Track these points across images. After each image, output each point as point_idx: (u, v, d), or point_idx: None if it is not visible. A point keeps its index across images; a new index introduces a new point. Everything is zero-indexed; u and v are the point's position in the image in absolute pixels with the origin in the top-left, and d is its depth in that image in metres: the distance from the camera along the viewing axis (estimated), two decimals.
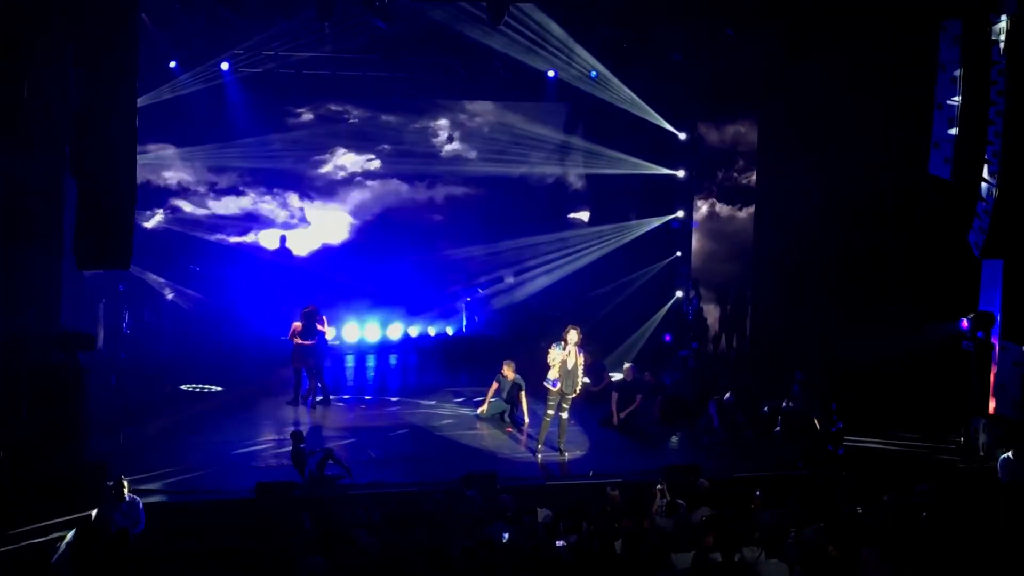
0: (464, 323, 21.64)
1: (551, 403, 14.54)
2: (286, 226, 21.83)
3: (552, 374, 14.40)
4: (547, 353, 14.52)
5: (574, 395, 14.59)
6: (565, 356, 14.31)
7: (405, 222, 22.14)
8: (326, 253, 22.00)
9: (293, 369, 17.14)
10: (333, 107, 21.52)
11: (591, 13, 17.93)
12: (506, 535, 10.63)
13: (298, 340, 16.96)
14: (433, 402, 17.61)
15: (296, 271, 21.54)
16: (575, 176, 22.59)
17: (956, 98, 15.70)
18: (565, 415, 14.64)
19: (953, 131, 15.66)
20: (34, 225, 12.20)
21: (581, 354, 14.52)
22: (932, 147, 16.02)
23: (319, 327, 17.08)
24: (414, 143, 22.10)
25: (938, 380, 16.00)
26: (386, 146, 22.01)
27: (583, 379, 17.78)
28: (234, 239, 21.53)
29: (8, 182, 12.01)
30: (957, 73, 15.43)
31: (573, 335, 14.33)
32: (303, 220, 21.91)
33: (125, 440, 14.11)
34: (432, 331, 21.51)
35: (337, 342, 20.99)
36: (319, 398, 17.08)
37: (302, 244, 21.92)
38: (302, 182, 21.85)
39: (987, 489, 13.35)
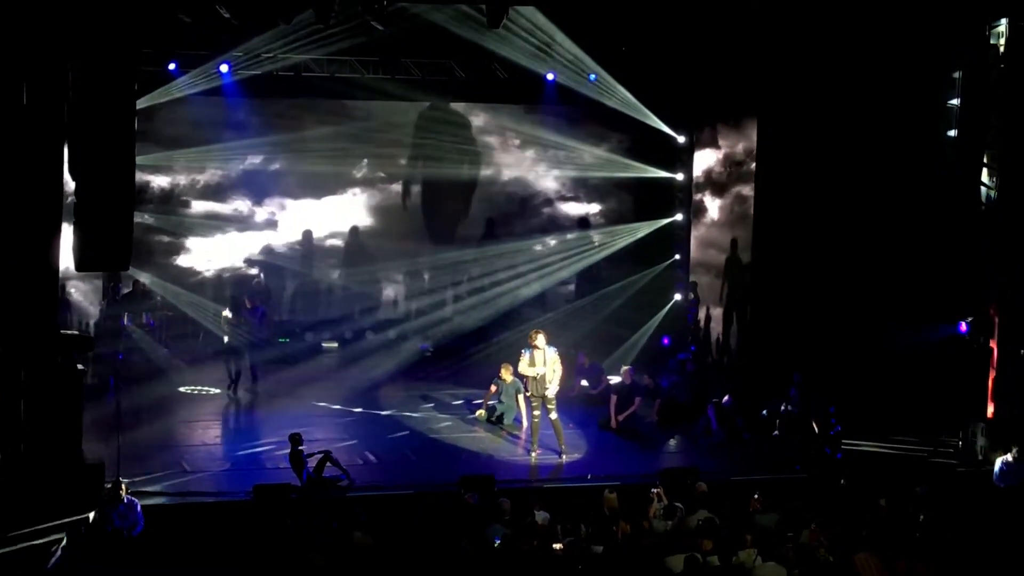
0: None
1: (534, 405, 14.73)
2: (274, 227, 21.72)
3: (525, 376, 14.72)
4: (518, 360, 14.74)
5: (545, 393, 14.50)
6: (532, 361, 14.47)
7: (401, 224, 22.06)
8: (317, 255, 21.91)
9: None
10: (331, 109, 21.43)
11: (590, 16, 17.94)
12: (498, 538, 10.61)
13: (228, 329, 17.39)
14: (431, 405, 17.59)
15: (283, 275, 21.60)
16: (573, 179, 22.52)
17: (956, 101, 15.77)
18: (554, 416, 14.68)
19: (953, 133, 15.73)
20: (32, 227, 12.18)
21: (553, 351, 14.60)
22: (934, 149, 16.07)
23: (249, 316, 17.43)
24: (412, 145, 22.06)
25: (936, 383, 16.00)
26: (383, 149, 21.95)
27: (582, 382, 18.00)
28: (228, 240, 21.45)
29: (6, 183, 12.00)
30: (957, 75, 15.50)
31: (540, 338, 14.52)
32: (295, 223, 21.79)
33: (123, 442, 14.09)
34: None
35: (334, 343, 20.96)
36: (229, 386, 17.50)
37: (290, 247, 21.82)
38: (299, 185, 21.75)
39: (985, 493, 13.37)
